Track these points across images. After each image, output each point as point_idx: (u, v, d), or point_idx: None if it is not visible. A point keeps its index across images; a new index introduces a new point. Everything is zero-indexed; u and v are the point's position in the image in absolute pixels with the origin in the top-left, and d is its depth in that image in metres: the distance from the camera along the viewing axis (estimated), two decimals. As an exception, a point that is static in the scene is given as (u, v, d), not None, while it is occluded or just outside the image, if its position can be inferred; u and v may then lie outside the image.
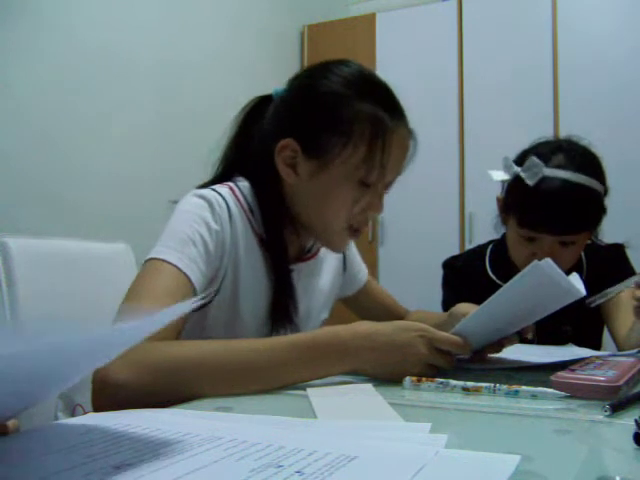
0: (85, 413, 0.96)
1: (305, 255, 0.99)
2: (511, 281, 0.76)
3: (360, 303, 1.16)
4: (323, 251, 1.03)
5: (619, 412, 0.56)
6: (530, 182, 1.14)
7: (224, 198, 0.86)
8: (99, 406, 0.64)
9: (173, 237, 0.80)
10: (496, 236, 1.39)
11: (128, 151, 2.45)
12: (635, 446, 0.46)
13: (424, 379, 0.70)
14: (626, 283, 0.93)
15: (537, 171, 1.13)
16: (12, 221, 1.95)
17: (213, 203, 0.85)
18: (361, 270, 1.16)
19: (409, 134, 0.90)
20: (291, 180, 0.88)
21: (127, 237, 1.37)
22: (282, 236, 0.90)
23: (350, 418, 0.56)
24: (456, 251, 2.89)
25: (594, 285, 1.10)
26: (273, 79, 3.77)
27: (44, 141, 2.15)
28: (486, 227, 1.40)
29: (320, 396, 0.64)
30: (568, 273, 0.81)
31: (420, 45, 3.36)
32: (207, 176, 0.97)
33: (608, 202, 1.20)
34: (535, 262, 0.74)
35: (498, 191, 1.37)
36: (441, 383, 0.69)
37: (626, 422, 0.53)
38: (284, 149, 0.87)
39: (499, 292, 0.77)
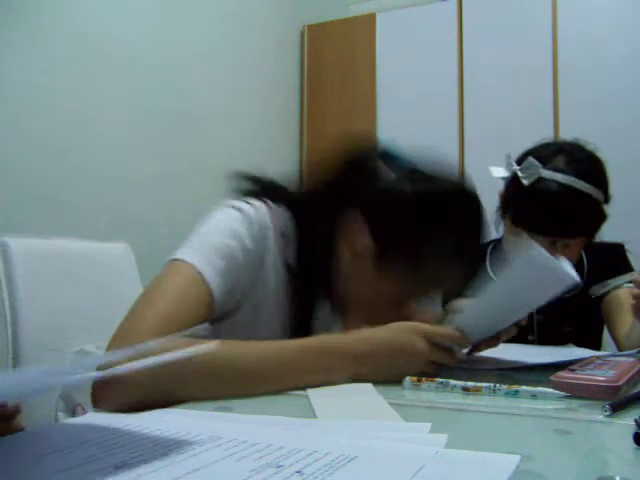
0: (85, 413, 0.97)
1: None
2: (504, 270, 0.76)
3: None
4: None
5: (619, 412, 0.56)
6: (526, 182, 1.14)
7: (260, 215, 0.83)
8: (99, 402, 0.64)
9: (202, 243, 0.78)
10: (496, 236, 1.39)
11: (128, 151, 2.45)
12: (635, 446, 0.46)
13: (424, 379, 0.70)
14: (626, 277, 0.93)
15: (534, 172, 1.13)
16: (12, 221, 1.95)
17: (251, 219, 0.81)
18: None
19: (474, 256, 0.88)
20: (343, 254, 0.84)
21: (127, 237, 1.37)
22: (315, 294, 0.86)
23: (350, 418, 0.56)
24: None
25: (595, 284, 1.10)
26: (273, 79, 3.77)
27: (43, 141, 2.15)
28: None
29: (320, 396, 0.64)
30: (575, 267, 0.80)
31: (420, 45, 3.36)
32: (206, 177, 0.95)
33: (609, 205, 1.19)
34: (528, 250, 0.74)
35: (498, 191, 1.37)
36: (441, 383, 0.69)
37: (626, 422, 0.53)
38: (354, 229, 0.82)
39: (493, 282, 0.77)
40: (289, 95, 3.45)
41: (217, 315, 0.81)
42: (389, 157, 0.86)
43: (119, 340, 0.67)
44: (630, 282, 0.93)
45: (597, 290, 0.91)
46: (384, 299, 0.84)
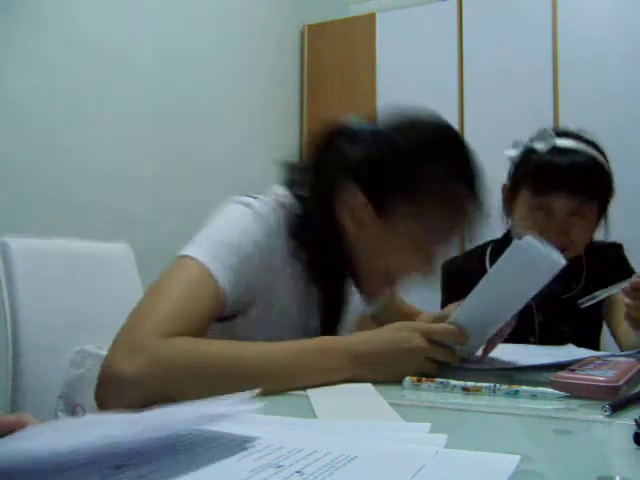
0: (85, 413, 0.97)
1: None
2: (496, 264, 0.76)
3: (381, 316, 1.15)
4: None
5: (619, 412, 0.56)
6: (543, 147, 1.18)
7: (270, 210, 0.83)
8: (102, 399, 0.64)
9: (210, 240, 0.77)
10: (496, 236, 1.39)
11: (128, 151, 2.45)
12: (635, 446, 0.46)
13: (424, 379, 0.70)
14: (615, 287, 0.93)
15: (548, 136, 1.19)
16: (12, 221, 1.95)
17: (261, 215, 0.81)
18: None
19: (480, 205, 0.87)
20: (348, 227, 0.85)
21: (127, 237, 1.37)
22: (342, 277, 0.87)
23: (350, 418, 0.56)
24: (456, 252, 2.89)
25: (594, 284, 1.10)
26: (273, 79, 3.76)
27: (43, 141, 2.15)
28: (486, 227, 1.40)
29: (320, 396, 0.64)
30: (569, 270, 0.80)
31: (420, 45, 3.36)
32: (207, 177, 0.95)
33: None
34: (515, 241, 0.74)
35: (498, 191, 1.37)
36: (441, 383, 0.69)
37: (626, 422, 0.53)
38: (350, 195, 0.83)
39: (487, 276, 0.77)
40: (289, 95, 3.44)
41: (230, 311, 0.80)
42: (354, 129, 0.89)
43: (126, 338, 0.67)
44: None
45: (586, 301, 0.91)
46: (401, 255, 0.84)
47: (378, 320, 1.17)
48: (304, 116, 3.48)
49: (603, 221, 1.26)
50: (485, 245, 1.40)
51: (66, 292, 1.11)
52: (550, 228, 1.16)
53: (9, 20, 2.05)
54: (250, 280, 0.79)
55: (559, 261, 0.76)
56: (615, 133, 2.77)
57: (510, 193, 1.27)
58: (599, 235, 1.30)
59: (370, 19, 3.50)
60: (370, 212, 0.83)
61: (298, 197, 0.87)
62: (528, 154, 1.22)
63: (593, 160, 1.18)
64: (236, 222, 0.80)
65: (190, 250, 0.75)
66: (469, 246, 1.39)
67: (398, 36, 3.42)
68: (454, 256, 1.47)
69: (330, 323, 0.87)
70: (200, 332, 0.72)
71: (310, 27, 3.65)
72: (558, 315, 1.26)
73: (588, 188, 1.17)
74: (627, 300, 0.92)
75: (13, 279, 1.03)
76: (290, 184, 0.89)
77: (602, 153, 1.22)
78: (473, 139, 3.21)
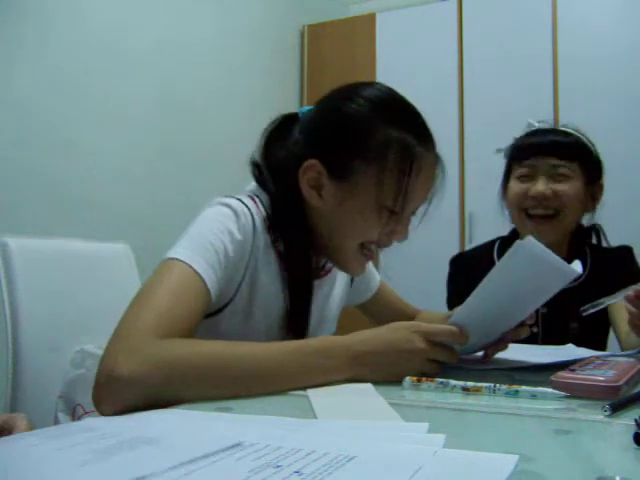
0: (85, 413, 0.97)
1: (321, 272, 0.98)
2: (498, 263, 0.76)
3: (370, 309, 1.17)
4: (333, 270, 1.02)
5: (619, 412, 0.56)
6: (526, 130, 1.34)
7: (249, 209, 0.86)
8: (101, 400, 0.64)
9: (194, 241, 0.79)
10: (501, 233, 1.41)
11: (128, 151, 2.45)
12: (635, 446, 0.46)
13: (424, 379, 0.70)
14: (618, 295, 0.93)
15: (531, 123, 1.36)
16: (12, 221, 1.95)
17: (239, 213, 0.84)
18: (372, 279, 1.15)
19: (437, 161, 0.89)
20: (314, 202, 0.87)
21: (127, 237, 1.37)
22: (307, 254, 0.89)
23: (350, 418, 0.56)
24: (456, 251, 2.89)
25: (599, 285, 1.10)
26: (273, 79, 3.77)
27: (44, 141, 2.15)
28: (486, 227, 1.41)
29: (320, 396, 0.64)
30: (571, 260, 0.80)
31: (420, 45, 3.36)
32: (207, 177, 0.96)
33: (608, 195, 1.32)
34: (517, 241, 0.74)
35: (498, 191, 1.38)
36: (441, 383, 0.69)
37: (626, 422, 0.53)
38: (309, 170, 0.86)
39: (488, 276, 0.77)
40: (289, 95, 3.44)
41: (214, 308, 0.83)
42: (301, 112, 0.95)
43: (121, 340, 0.67)
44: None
45: (588, 309, 0.91)
46: (367, 219, 0.85)
47: (370, 313, 1.19)
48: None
49: (596, 200, 1.32)
50: (493, 241, 1.41)
51: (66, 292, 1.11)
52: (535, 185, 1.26)
53: (15, 17, 2.05)
54: (233, 277, 0.83)
55: (573, 270, 0.75)
56: (615, 130, 2.77)
57: (504, 184, 1.35)
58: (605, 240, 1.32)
59: (370, 19, 3.50)
60: (330, 180, 0.85)
61: (266, 189, 0.91)
62: (514, 142, 1.35)
63: (571, 133, 1.31)
64: (218, 223, 0.82)
65: (176, 253, 0.77)
66: (469, 245, 1.40)
67: (398, 36, 3.42)
68: (462, 252, 1.48)
69: (300, 303, 0.89)
70: (191, 332, 0.73)
71: (310, 27, 3.65)
72: (563, 310, 1.25)
73: (567, 150, 1.27)
74: (631, 309, 0.92)
75: (13, 279, 1.03)
76: (258, 178, 0.93)
77: (586, 138, 1.32)
78: (473, 138, 3.24)
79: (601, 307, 0.92)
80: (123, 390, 0.63)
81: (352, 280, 1.10)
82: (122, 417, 0.54)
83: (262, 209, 0.88)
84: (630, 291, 0.91)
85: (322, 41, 3.59)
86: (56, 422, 0.99)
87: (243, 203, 0.86)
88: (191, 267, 0.75)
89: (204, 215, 0.84)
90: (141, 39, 2.54)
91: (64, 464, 0.39)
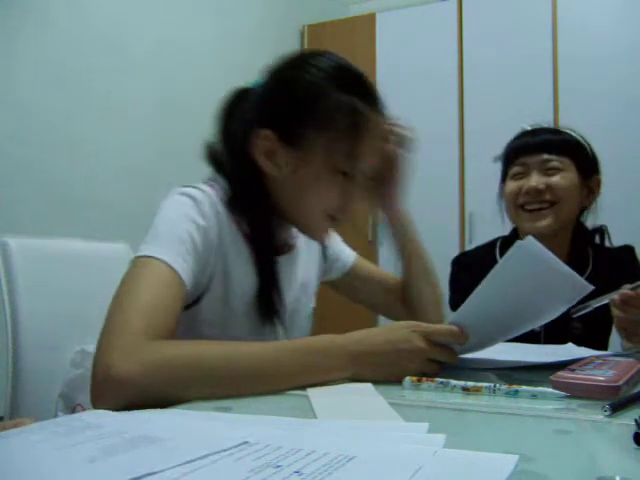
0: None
1: (284, 247, 0.99)
2: (498, 263, 0.76)
3: (349, 285, 1.15)
4: (300, 243, 1.03)
5: (619, 412, 0.56)
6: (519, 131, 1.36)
7: (207, 194, 0.87)
8: (99, 398, 0.64)
9: (160, 235, 0.80)
10: (502, 234, 1.41)
11: (129, 151, 2.45)
12: (635, 446, 0.46)
13: (424, 379, 0.70)
14: (605, 297, 0.93)
15: (524, 128, 1.38)
16: (12, 221, 1.95)
17: (197, 199, 0.85)
18: (344, 254, 1.14)
19: (386, 122, 0.91)
20: (269, 170, 0.88)
21: (127, 237, 1.37)
22: (267, 228, 0.91)
23: (350, 418, 0.56)
24: (456, 251, 2.89)
25: (601, 285, 1.10)
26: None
27: (44, 141, 2.15)
28: (486, 227, 1.42)
29: (320, 396, 0.64)
30: (571, 260, 0.80)
31: (420, 45, 3.36)
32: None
33: (607, 195, 1.32)
34: (518, 241, 0.74)
35: (497, 192, 1.39)
36: (441, 383, 0.69)
37: (626, 422, 0.53)
38: (262, 139, 0.87)
39: (489, 275, 0.76)
40: (289, 95, 3.44)
41: (190, 299, 0.83)
42: (248, 87, 0.96)
43: (114, 340, 0.67)
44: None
45: (578, 311, 0.91)
46: (325, 184, 0.87)
47: (347, 291, 1.17)
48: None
49: (593, 195, 1.33)
50: (494, 241, 1.42)
51: (66, 292, 1.11)
52: (529, 181, 1.29)
53: (15, 15, 2.05)
54: (204, 264, 0.83)
55: (567, 271, 0.75)
56: (615, 131, 2.77)
57: (501, 186, 1.37)
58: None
59: (370, 19, 3.50)
60: (283, 147, 0.86)
61: (222, 171, 0.92)
62: (506, 145, 1.37)
63: (562, 131, 1.33)
64: (179, 212, 0.83)
65: (148, 250, 0.78)
66: (469, 245, 1.41)
67: (398, 36, 3.42)
68: (464, 251, 1.48)
69: (267, 280, 0.89)
70: (175, 328, 0.74)
71: (310, 27, 3.64)
72: (567, 310, 1.25)
73: (557, 145, 1.30)
74: (616, 312, 0.92)
75: (13, 279, 1.03)
76: (214, 161, 0.95)
77: (580, 136, 1.34)
78: (473, 138, 3.24)
79: (590, 309, 0.92)
80: (121, 389, 0.63)
81: (325, 255, 1.11)
82: (123, 415, 0.54)
83: (221, 193, 0.89)
84: (615, 295, 0.91)
85: (322, 41, 3.59)
86: (56, 422, 0.98)
87: (199, 189, 0.87)
88: (165, 263, 0.76)
89: (164, 208, 0.85)
90: (141, 40, 2.54)
91: (71, 461, 0.39)
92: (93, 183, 2.29)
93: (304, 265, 1.03)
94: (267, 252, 0.90)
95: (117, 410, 0.60)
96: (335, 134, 0.85)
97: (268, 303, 0.89)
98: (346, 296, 1.17)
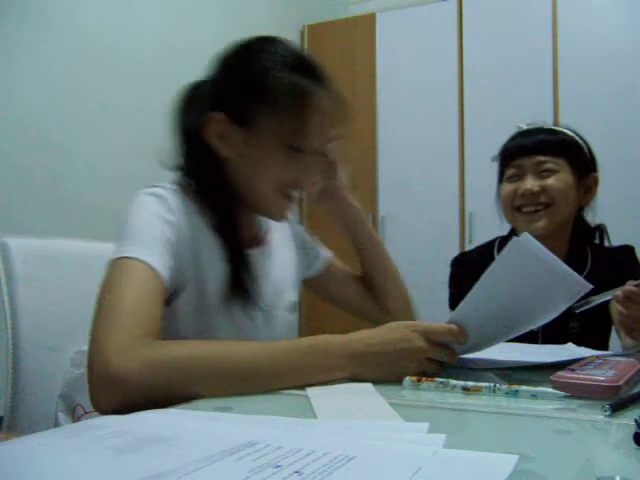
0: (85, 413, 0.97)
1: (256, 240, 1.00)
2: (494, 261, 0.76)
3: (325, 285, 1.16)
4: (277, 239, 1.05)
5: (619, 412, 0.56)
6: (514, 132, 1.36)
7: (173, 191, 0.89)
8: (98, 401, 0.65)
9: (134, 235, 0.81)
10: (502, 234, 1.41)
11: (129, 151, 2.45)
12: (635, 446, 0.46)
13: (424, 379, 0.70)
14: (609, 293, 0.93)
15: (520, 127, 1.38)
16: (12, 221, 1.95)
17: (164, 197, 0.87)
18: (322, 253, 1.15)
19: (334, 99, 0.93)
20: (225, 153, 0.90)
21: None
22: (231, 217, 0.92)
23: (350, 418, 0.56)
24: (456, 251, 2.89)
25: (600, 284, 1.10)
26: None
27: (44, 140, 2.15)
28: (486, 227, 1.42)
29: (320, 396, 0.64)
30: (571, 260, 0.80)
31: (420, 45, 3.36)
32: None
33: (609, 195, 1.29)
34: (514, 238, 0.74)
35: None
36: (441, 383, 0.69)
37: (626, 422, 0.53)
38: (214, 122, 0.89)
39: (485, 273, 0.76)
40: (289, 95, 3.44)
41: (169, 294, 0.84)
42: (198, 81, 0.99)
43: (108, 339, 0.68)
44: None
45: (580, 306, 0.91)
46: (280, 161, 0.89)
47: (324, 292, 1.18)
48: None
49: (590, 193, 1.33)
50: (493, 241, 1.42)
51: (66, 292, 1.11)
52: (524, 183, 1.29)
53: (12, 19, 2.05)
54: (180, 260, 0.84)
55: (564, 268, 0.75)
56: (615, 132, 2.77)
57: (499, 187, 1.37)
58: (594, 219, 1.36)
59: (370, 19, 3.50)
60: (235, 128, 0.89)
61: (181, 167, 0.94)
62: (502, 146, 1.37)
63: (557, 131, 1.33)
64: (146, 211, 0.85)
65: (126, 251, 0.78)
66: (469, 246, 1.41)
67: (398, 36, 3.42)
68: (463, 252, 1.49)
69: (238, 268, 0.91)
70: (160, 325, 0.74)
71: (310, 27, 3.65)
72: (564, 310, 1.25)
73: (551, 147, 1.29)
74: (619, 308, 0.92)
75: (13, 279, 1.03)
76: (173, 165, 0.97)
77: (576, 133, 1.33)
78: (473, 138, 3.23)
79: (593, 305, 0.92)
80: (120, 386, 0.64)
81: (305, 247, 1.12)
82: (125, 417, 0.54)
83: (187, 188, 0.91)
84: (619, 291, 0.91)
85: (322, 41, 3.59)
86: (56, 422, 0.99)
87: (165, 188, 0.89)
88: (144, 262, 0.77)
89: (133, 210, 0.86)
90: (141, 41, 2.54)
91: (82, 462, 0.39)
92: (93, 185, 2.29)
93: (280, 260, 1.04)
94: (235, 242, 0.92)
95: (116, 409, 0.60)
96: (283, 112, 0.87)
97: (243, 294, 0.90)
98: (323, 297, 1.19)
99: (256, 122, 0.89)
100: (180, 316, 0.87)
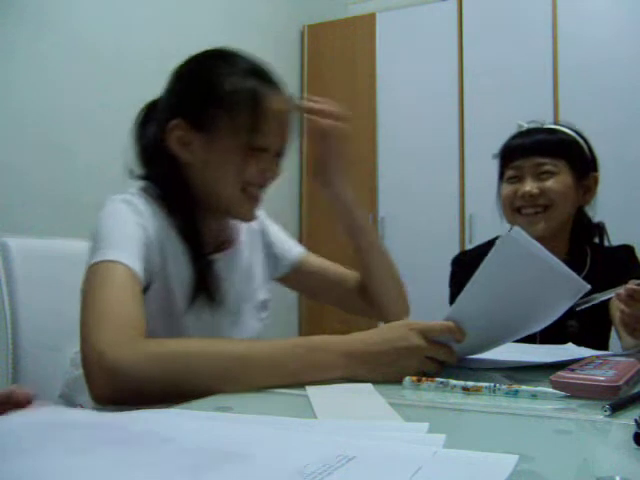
0: (85, 413, 0.97)
1: (222, 245, 1.01)
2: (486, 256, 0.76)
3: (298, 281, 1.16)
4: (246, 238, 1.06)
5: (619, 412, 0.56)
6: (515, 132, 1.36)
7: (140, 197, 0.92)
8: (97, 395, 0.66)
9: (109, 239, 0.84)
10: (500, 234, 1.41)
11: (127, 155, 2.45)
12: (635, 446, 0.46)
13: (424, 379, 0.70)
14: (611, 291, 0.93)
15: (520, 125, 1.39)
16: (12, 221, 1.95)
17: (132, 202, 0.90)
18: (290, 251, 1.15)
19: (286, 100, 0.97)
20: (185, 157, 0.93)
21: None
22: (194, 222, 0.94)
23: (350, 418, 0.56)
24: (456, 252, 2.89)
25: (599, 284, 1.10)
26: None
27: (44, 140, 2.15)
28: (486, 228, 1.42)
29: (320, 396, 0.64)
30: (570, 260, 0.80)
31: (420, 45, 3.36)
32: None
33: (609, 195, 1.30)
34: (505, 232, 0.75)
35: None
36: (441, 383, 0.69)
37: (626, 422, 0.53)
38: (175, 129, 0.93)
39: (479, 268, 0.76)
40: (289, 95, 3.45)
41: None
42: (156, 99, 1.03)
43: (103, 341, 0.69)
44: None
45: (582, 304, 0.91)
46: (239, 161, 0.92)
47: (299, 287, 1.19)
48: (303, 116, 3.48)
49: (590, 193, 1.33)
50: (492, 240, 1.42)
51: (66, 292, 1.11)
52: (523, 185, 1.30)
53: (11, 20, 2.05)
54: (148, 261, 0.87)
55: (556, 262, 0.75)
56: (615, 132, 2.77)
57: (499, 186, 1.38)
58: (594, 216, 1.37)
59: (370, 19, 3.50)
60: (195, 133, 0.93)
61: (145, 177, 0.98)
62: (502, 145, 1.38)
63: (557, 131, 1.33)
64: (121, 216, 0.88)
65: (103, 255, 0.81)
66: (469, 247, 1.41)
67: (398, 36, 3.42)
68: (463, 251, 1.49)
69: (202, 272, 0.93)
70: (145, 326, 0.75)
71: (310, 27, 3.65)
72: None
73: (550, 148, 1.30)
74: (621, 306, 0.92)
75: (13, 279, 1.03)
76: (138, 176, 1.00)
77: (577, 132, 1.34)
78: (473, 139, 3.23)
79: (594, 303, 0.92)
80: (117, 376, 0.65)
81: (271, 247, 1.13)
82: (124, 415, 0.54)
83: (152, 192, 0.95)
84: (621, 289, 0.91)
85: (322, 41, 3.59)
86: (56, 422, 0.99)
87: (133, 195, 0.93)
88: (122, 264, 0.79)
89: (104, 217, 0.89)
90: (141, 40, 2.54)
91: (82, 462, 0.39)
92: (93, 185, 2.29)
93: (249, 260, 1.06)
94: (199, 247, 0.94)
95: (117, 401, 0.61)
96: (237, 113, 0.91)
97: (208, 297, 0.92)
98: (301, 292, 1.19)
99: (214, 126, 0.92)
100: (149, 313, 0.88)
